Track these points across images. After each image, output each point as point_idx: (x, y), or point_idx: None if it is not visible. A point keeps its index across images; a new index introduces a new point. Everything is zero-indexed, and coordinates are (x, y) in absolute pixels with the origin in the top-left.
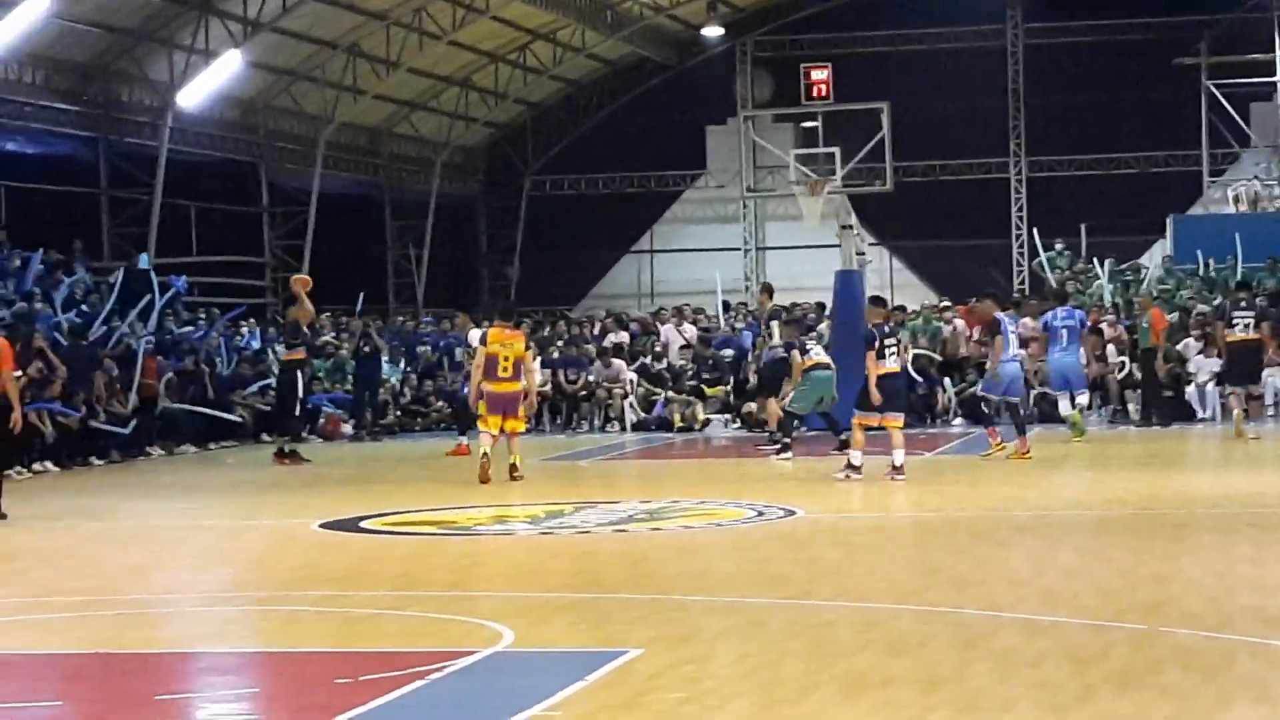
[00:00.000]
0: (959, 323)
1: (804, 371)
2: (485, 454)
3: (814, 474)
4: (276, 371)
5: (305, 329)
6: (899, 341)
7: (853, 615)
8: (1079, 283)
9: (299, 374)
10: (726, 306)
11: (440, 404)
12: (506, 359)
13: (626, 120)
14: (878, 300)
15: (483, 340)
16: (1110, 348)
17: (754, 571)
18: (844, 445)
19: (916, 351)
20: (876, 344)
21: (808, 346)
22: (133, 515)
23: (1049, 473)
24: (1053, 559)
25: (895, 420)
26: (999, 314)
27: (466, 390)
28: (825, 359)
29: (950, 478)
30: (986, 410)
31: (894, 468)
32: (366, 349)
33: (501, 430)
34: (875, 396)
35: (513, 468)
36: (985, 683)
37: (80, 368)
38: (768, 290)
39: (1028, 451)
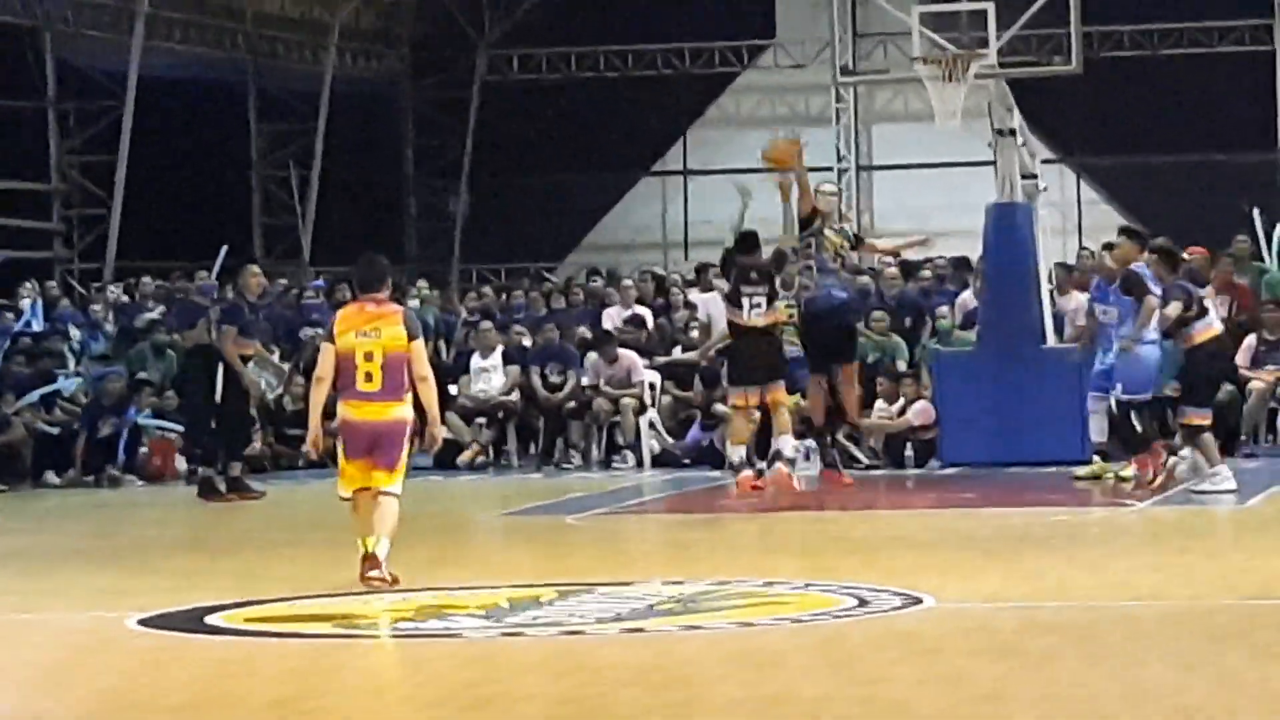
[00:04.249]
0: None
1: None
2: (365, 550)
3: (958, 537)
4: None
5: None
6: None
7: None
8: None
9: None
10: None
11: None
12: (370, 357)
13: None
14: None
15: (329, 334)
16: None
17: (857, 696)
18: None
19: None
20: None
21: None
22: None
23: None
24: None
25: (778, 393)
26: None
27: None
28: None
29: (1175, 541)
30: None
31: (783, 459)
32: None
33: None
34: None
35: (369, 559)
36: None
37: None
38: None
39: (1152, 480)
